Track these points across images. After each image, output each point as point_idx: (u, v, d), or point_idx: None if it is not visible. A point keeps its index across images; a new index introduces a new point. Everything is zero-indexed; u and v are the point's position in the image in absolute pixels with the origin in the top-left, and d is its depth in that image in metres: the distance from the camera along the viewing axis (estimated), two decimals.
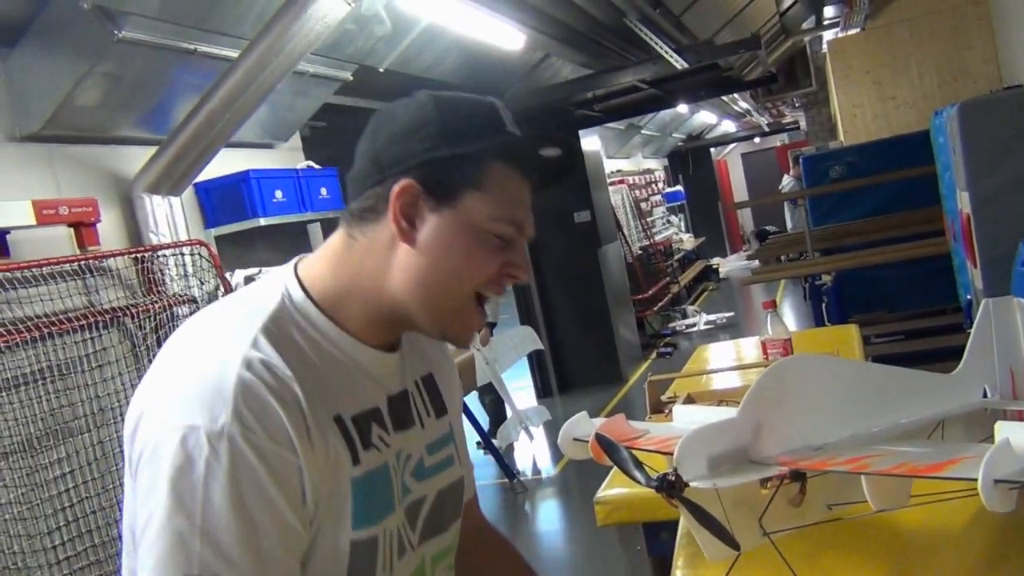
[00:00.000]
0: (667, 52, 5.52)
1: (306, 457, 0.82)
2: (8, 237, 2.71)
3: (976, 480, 0.80)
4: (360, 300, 0.92)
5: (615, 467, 1.54)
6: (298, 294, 0.91)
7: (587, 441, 1.19)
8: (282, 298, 0.91)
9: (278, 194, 3.74)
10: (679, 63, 5.77)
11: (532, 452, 6.23)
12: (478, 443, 5.77)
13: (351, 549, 0.87)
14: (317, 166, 4.31)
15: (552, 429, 6.25)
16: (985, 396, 1.26)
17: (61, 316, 2.65)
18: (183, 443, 0.79)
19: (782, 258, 7.50)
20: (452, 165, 0.89)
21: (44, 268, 2.68)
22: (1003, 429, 0.90)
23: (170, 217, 3.25)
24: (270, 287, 0.93)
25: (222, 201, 3.64)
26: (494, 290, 0.93)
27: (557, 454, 6.03)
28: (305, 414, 0.83)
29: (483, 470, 5.80)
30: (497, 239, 0.91)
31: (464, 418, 5.33)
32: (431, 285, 0.90)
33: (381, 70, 4.50)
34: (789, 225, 10.13)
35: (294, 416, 0.82)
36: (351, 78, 4.26)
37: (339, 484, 0.86)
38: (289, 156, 4.34)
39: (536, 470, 5.93)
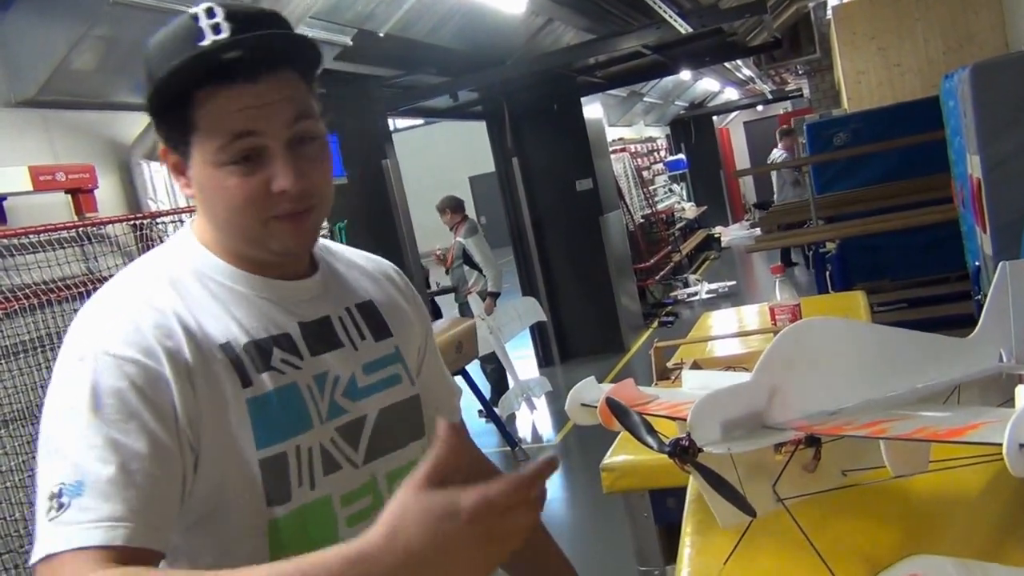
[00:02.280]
0: (671, 16, 5.43)
1: (178, 376, 0.87)
2: (5, 203, 2.68)
3: (1000, 445, 0.78)
4: (222, 243, 0.98)
5: (621, 433, 1.52)
6: (193, 242, 0.99)
7: (595, 406, 1.17)
8: (181, 248, 0.99)
9: None
10: (683, 28, 5.68)
11: (533, 420, 6.24)
12: (480, 411, 5.78)
13: (260, 466, 0.90)
14: None
15: (553, 398, 6.26)
16: (1001, 360, 1.24)
17: (59, 283, 2.62)
18: (62, 368, 0.88)
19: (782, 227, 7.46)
20: (167, 118, 0.92)
21: (42, 235, 2.66)
22: None
23: (168, 183, 3.22)
24: (174, 240, 1.02)
25: None
26: (276, 208, 0.92)
27: (558, 422, 6.03)
28: (183, 342, 0.89)
29: (485, 438, 5.81)
30: (237, 165, 0.90)
31: (465, 385, 5.35)
32: (220, 225, 0.96)
33: (381, 35, 4.43)
34: (777, 200, 10.01)
35: (171, 341, 0.88)
36: (351, 43, 4.20)
37: (228, 405, 0.90)
38: None
39: (537, 438, 5.93)
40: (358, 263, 1.14)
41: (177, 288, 0.94)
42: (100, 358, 0.86)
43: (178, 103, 0.89)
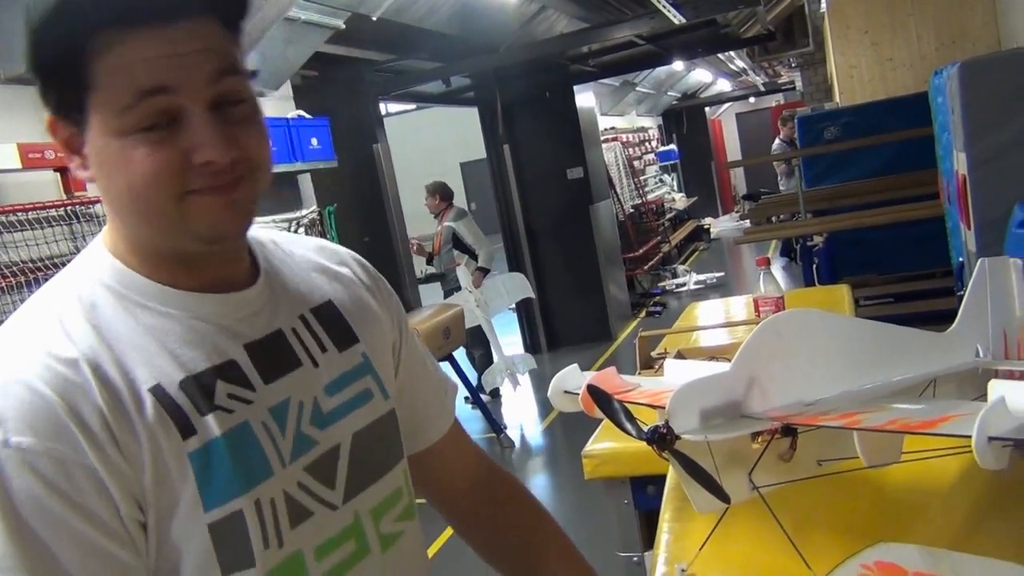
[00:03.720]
0: (665, 7, 5.44)
1: (102, 455, 0.69)
2: None
3: (970, 437, 0.79)
4: (134, 247, 0.79)
5: (604, 421, 1.54)
6: (106, 256, 0.79)
7: (578, 393, 1.18)
8: (94, 265, 0.79)
9: None
10: (676, 18, 5.70)
11: (519, 407, 6.27)
12: (466, 398, 5.80)
13: (210, 531, 0.73)
14: (308, 115, 4.25)
15: (539, 384, 6.29)
16: (978, 356, 1.26)
17: (47, 261, 2.62)
18: None
19: (774, 219, 7.49)
20: (54, 77, 0.72)
21: (29, 212, 2.65)
22: (997, 387, 0.90)
23: None
24: (86, 256, 0.81)
25: None
26: (195, 183, 0.73)
27: (543, 409, 6.06)
28: (99, 401, 0.70)
29: (470, 424, 5.83)
30: (146, 132, 0.71)
31: (452, 371, 5.37)
32: (126, 209, 0.75)
33: (374, 19, 4.42)
34: (783, 190, 10.07)
35: (86, 405, 0.69)
36: (343, 26, 4.19)
37: (168, 465, 0.72)
38: (280, 105, 4.28)
39: (522, 425, 5.96)
40: (310, 257, 0.94)
41: (93, 320, 0.74)
42: (2, 453, 0.67)
43: (68, 55, 0.70)
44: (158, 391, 0.73)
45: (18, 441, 0.67)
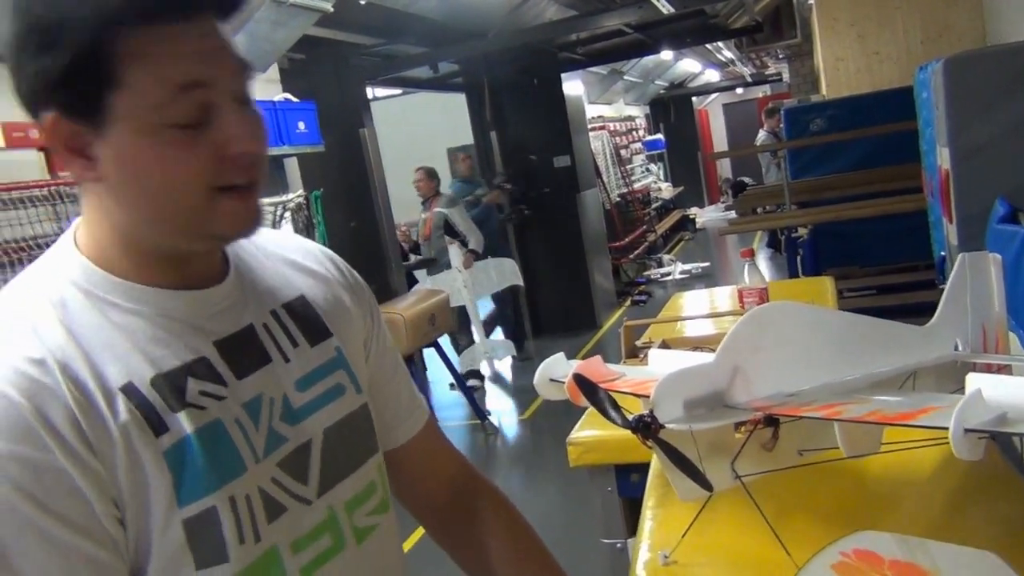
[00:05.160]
0: None
1: (72, 456, 0.68)
2: None
3: (947, 429, 0.81)
4: (120, 244, 0.77)
5: (589, 409, 1.55)
6: (76, 256, 0.78)
7: (563, 382, 1.20)
8: (64, 264, 0.78)
9: None
10: (665, 8, 5.70)
11: (503, 394, 6.29)
12: (451, 384, 5.81)
13: (185, 529, 0.73)
14: (295, 99, 4.24)
15: (523, 373, 6.31)
16: (957, 349, 1.28)
17: (30, 241, 2.61)
18: None
19: (759, 210, 7.53)
20: (73, 72, 0.69)
21: (12, 192, 2.63)
22: (974, 380, 0.91)
23: None
24: (54, 254, 0.80)
25: None
26: (229, 177, 0.73)
27: (528, 397, 6.09)
28: (70, 402, 0.69)
29: (453, 411, 5.85)
30: (180, 128, 0.70)
31: (437, 357, 5.37)
32: (151, 214, 0.74)
33: (362, 2, 4.41)
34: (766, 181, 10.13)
35: (55, 406, 0.69)
36: (331, 9, 4.17)
37: (142, 463, 0.71)
38: (266, 88, 4.26)
39: (507, 413, 5.99)
40: (280, 252, 0.93)
41: (64, 318, 0.73)
42: None
43: (92, 54, 0.68)
44: (129, 389, 0.73)
45: None
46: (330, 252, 1.00)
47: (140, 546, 0.72)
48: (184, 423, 0.74)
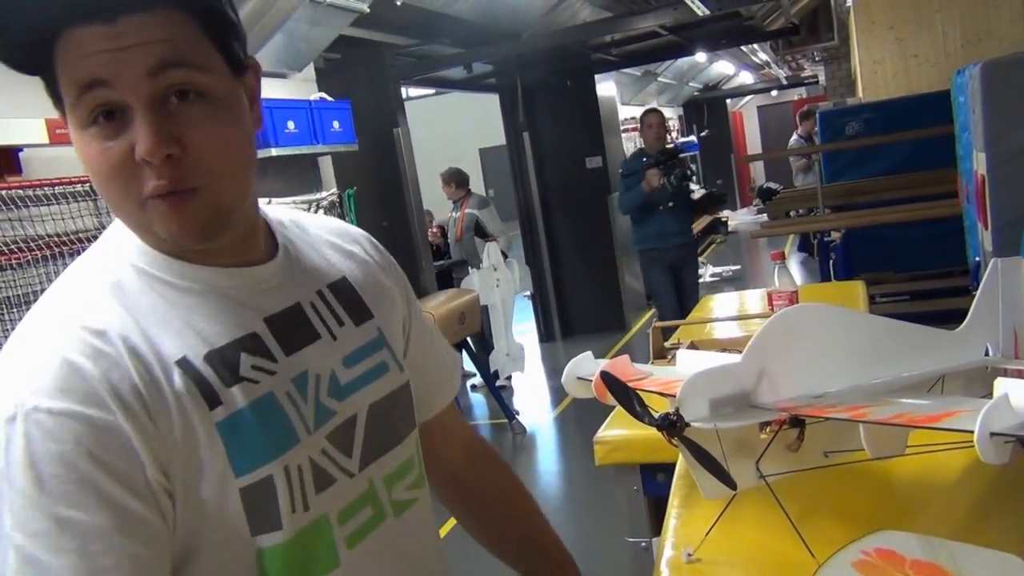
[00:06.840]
0: None
1: (133, 419, 0.71)
2: (21, 155, 2.72)
3: (972, 432, 0.81)
4: None
5: (615, 408, 1.57)
6: (129, 240, 0.81)
7: (591, 380, 1.21)
8: (117, 242, 0.82)
9: (290, 125, 3.72)
10: (700, 9, 5.67)
11: (532, 394, 6.30)
12: (473, 385, 5.84)
13: (243, 497, 0.76)
14: (330, 98, 4.28)
15: (552, 373, 6.32)
16: (987, 354, 1.28)
17: (72, 236, 2.67)
18: None
19: (792, 213, 7.47)
20: (33, 69, 0.74)
21: (56, 187, 2.70)
22: (1002, 385, 0.91)
23: None
24: (109, 234, 0.84)
25: None
26: (144, 181, 0.73)
27: (556, 396, 6.09)
28: (131, 371, 0.72)
29: (482, 410, 5.88)
30: (98, 127, 0.72)
31: (466, 356, 5.40)
32: (108, 202, 0.77)
33: (398, 3, 4.44)
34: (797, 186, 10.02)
35: (117, 373, 0.72)
36: (368, 10, 4.20)
37: (197, 434, 0.74)
38: (302, 87, 4.31)
39: (535, 411, 6.00)
40: (325, 236, 0.97)
41: (121, 297, 0.77)
42: (32, 416, 0.68)
43: (35, 49, 0.71)
44: (184, 363, 0.75)
45: (49, 405, 0.69)
46: (367, 235, 1.04)
47: (192, 517, 0.74)
48: (238, 396, 0.77)
